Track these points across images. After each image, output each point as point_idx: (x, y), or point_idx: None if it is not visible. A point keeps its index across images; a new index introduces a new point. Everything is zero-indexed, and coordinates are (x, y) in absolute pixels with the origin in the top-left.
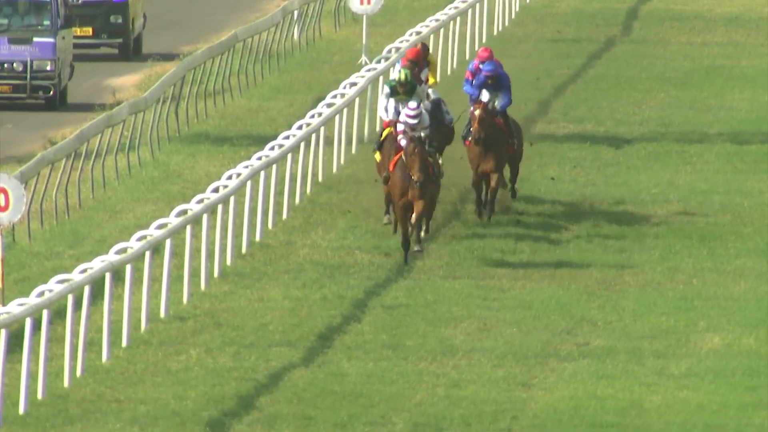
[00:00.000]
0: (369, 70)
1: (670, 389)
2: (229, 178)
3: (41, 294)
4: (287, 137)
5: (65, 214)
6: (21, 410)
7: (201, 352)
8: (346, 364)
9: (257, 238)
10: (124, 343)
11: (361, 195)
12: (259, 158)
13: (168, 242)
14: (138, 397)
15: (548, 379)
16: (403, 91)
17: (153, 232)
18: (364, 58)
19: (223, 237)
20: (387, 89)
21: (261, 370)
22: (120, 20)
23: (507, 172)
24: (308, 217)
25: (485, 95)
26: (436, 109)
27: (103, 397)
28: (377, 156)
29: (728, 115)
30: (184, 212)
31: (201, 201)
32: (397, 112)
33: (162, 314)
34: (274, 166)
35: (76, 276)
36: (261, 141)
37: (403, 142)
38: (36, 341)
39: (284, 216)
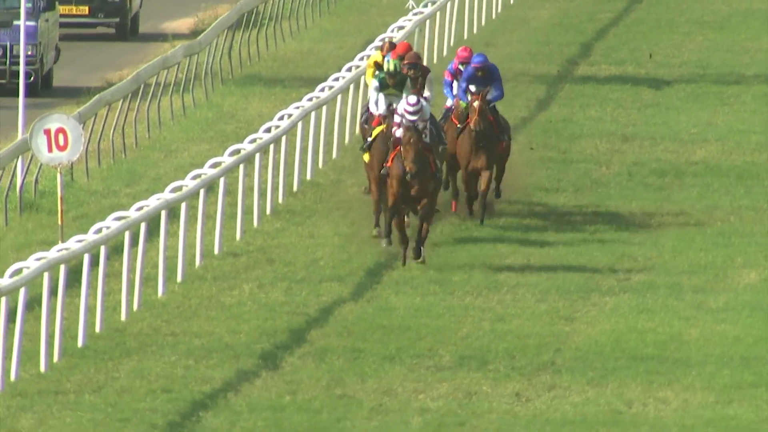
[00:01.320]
0: (416, 14)
1: (708, 323)
2: (281, 118)
3: (99, 231)
4: (337, 79)
5: (122, 154)
6: (80, 343)
7: (254, 287)
8: (394, 298)
9: (308, 177)
10: (179, 279)
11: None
12: (310, 99)
13: (222, 181)
14: (193, 330)
15: (590, 313)
16: (393, 83)
17: (207, 170)
18: (411, 2)
19: (275, 176)
20: (376, 83)
21: (312, 305)
22: None
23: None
24: (357, 157)
25: (473, 90)
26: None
27: (159, 331)
28: (366, 157)
29: (765, 57)
30: (238, 152)
31: (254, 141)
32: (388, 107)
33: (216, 250)
34: (325, 107)
35: (132, 213)
36: (312, 83)
37: (399, 133)
38: (94, 276)
39: (334, 155)
